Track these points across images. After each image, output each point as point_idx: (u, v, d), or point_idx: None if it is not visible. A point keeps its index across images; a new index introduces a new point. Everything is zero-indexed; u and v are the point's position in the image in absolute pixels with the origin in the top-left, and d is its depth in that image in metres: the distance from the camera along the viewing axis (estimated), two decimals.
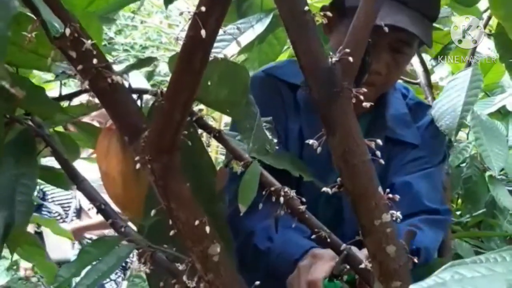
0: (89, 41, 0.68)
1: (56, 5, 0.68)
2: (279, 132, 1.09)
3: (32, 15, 0.71)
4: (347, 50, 0.68)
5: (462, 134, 1.95)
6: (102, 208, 0.92)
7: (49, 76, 1.01)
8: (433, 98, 1.58)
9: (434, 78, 1.89)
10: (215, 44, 0.66)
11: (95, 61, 0.69)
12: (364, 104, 0.68)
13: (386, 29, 0.79)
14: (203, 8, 0.58)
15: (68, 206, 3.31)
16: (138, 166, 0.70)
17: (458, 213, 2.05)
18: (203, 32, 0.58)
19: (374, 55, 1.08)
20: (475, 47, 1.52)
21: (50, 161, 1.05)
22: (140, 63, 0.98)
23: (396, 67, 1.16)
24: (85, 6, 1.02)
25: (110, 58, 0.73)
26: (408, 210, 1.08)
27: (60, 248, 3.01)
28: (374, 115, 1.22)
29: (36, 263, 1.40)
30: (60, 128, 1.13)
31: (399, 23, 1.06)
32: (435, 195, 1.25)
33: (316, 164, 1.12)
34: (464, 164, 1.89)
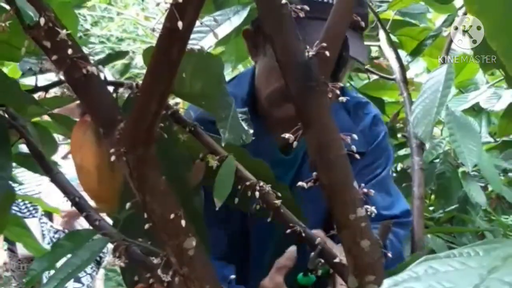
0: (64, 31, 0.67)
1: None
2: None
3: (5, 5, 0.70)
4: (324, 45, 0.68)
5: (436, 130, 1.98)
6: (76, 202, 0.92)
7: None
8: (409, 94, 1.59)
9: (409, 74, 1.91)
10: (192, 36, 0.65)
11: (70, 51, 0.68)
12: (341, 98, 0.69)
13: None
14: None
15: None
16: (113, 158, 0.69)
17: (431, 208, 2.08)
18: (180, 24, 0.58)
19: None
20: (450, 44, 1.54)
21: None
22: (116, 55, 0.97)
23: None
24: None
25: (85, 50, 0.72)
26: None
27: None
28: None
29: (24, 244, 1.41)
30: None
31: None
32: (390, 201, 1.25)
33: None
34: (437, 160, 1.91)
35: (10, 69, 1.54)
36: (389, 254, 0.78)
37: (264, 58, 1.11)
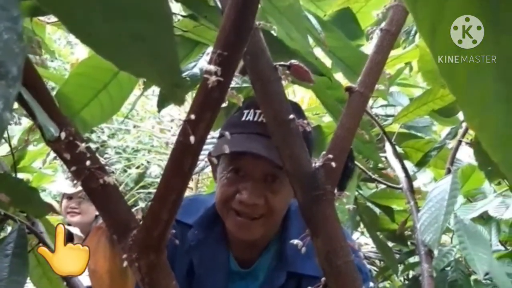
0: (83, 144, 0.71)
1: (53, 110, 0.71)
2: None
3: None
4: (330, 156, 0.72)
5: (446, 238, 1.97)
6: None
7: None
8: (416, 203, 1.61)
9: (418, 183, 1.93)
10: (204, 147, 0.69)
11: (88, 162, 0.71)
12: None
13: None
14: (192, 116, 0.62)
15: None
16: (125, 264, 0.71)
17: None
18: (192, 138, 0.62)
19: (247, 188, 1.05)
20: (454, 155, 1.58)
21: None
22: None
23: (274, 196, 1.07)
24: (78, 111, 1.03)
25: (102, 160, 0.75)
26: None
27: None
28: (277, 248, 1.14)
29: None
30: None
31: (254, 150, 1.01)
32: None
33: None
34: (449, 268, 1.89)
35: (34, 177, 1.60)
36: None
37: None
